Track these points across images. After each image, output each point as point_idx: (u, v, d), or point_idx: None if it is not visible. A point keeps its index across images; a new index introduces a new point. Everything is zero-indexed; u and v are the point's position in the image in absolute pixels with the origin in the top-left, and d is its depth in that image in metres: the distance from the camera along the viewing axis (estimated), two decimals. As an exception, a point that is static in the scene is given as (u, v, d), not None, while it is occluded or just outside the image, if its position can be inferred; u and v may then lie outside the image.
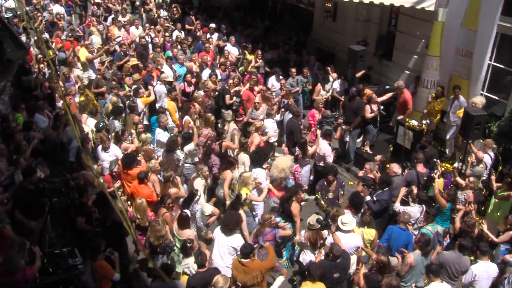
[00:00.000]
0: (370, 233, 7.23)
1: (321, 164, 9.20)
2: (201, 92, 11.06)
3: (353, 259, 6.93)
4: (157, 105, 11.08)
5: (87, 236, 6.53)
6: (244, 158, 8.73)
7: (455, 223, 7.51)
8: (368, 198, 7.91)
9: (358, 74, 11.61)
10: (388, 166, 8.82)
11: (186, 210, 7.21)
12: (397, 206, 7.82)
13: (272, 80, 12.29)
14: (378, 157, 8.71)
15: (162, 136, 9.40)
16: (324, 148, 9.12)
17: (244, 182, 7.80)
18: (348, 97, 10.89)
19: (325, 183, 8.36)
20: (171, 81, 11.50)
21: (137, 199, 7.29)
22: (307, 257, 6.89)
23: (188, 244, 6.41)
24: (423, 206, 7.67)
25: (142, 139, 8.99)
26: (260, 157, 8.51)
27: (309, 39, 15.56)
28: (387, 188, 7.86)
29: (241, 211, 7.40)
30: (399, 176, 8.28)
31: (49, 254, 6.11)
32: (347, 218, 6.98)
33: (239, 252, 6.46)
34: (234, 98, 11.38)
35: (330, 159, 9.14)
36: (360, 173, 8.86)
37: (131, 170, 8.08)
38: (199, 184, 8.07)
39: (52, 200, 6.63)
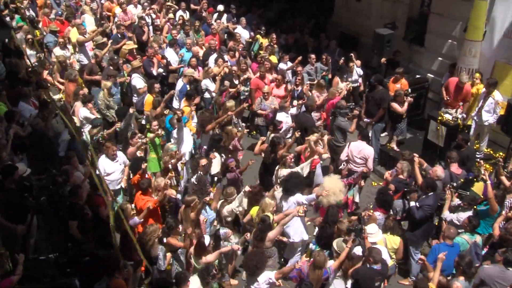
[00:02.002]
0: (394, 240, 7.11)
1: (362, 169, 8.93)
2: (208, 83, 10.96)
3: None
4: (175, 105, 10.94)
5: (103, 253, 6.27)
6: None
7: (493, 229, 7.31)
8: (412, 203, 7.67)
9: (383, 60, 11.41)
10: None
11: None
12: (447, 215, 7.58)
13: (281, 66, 12.16)
14: (400, 165, 8.33)
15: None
16: (368, 150, 8.89)
17: (264, 208, 7.29)
18: (369, 87, 10.69)
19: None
20: (195, 79, 11.26)
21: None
22: None
23: (214, 272, 6.31)
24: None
25: (165, 149, 8.67)
26: (294, 183, 7.72)
27: (329, 22, 15.36)
28: (432, 193, 7.64)
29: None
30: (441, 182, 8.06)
31: (34, 260, 6.05)
32: (373, 229, 6.84)
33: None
34: (239, 86, 11.21)
35: (371, 163, 8.96)
36: (387, 174, 8.63)
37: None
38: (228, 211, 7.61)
39: (40, 199, 6.62)
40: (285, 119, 10.05)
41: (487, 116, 9.68)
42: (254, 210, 7.47)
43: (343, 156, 9.05)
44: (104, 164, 8.27)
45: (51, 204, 7.07)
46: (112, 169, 8.28)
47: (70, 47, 12.30)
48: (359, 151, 8.87)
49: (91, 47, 12.29)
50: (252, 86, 11.19)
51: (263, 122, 10.68)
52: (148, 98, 10.17)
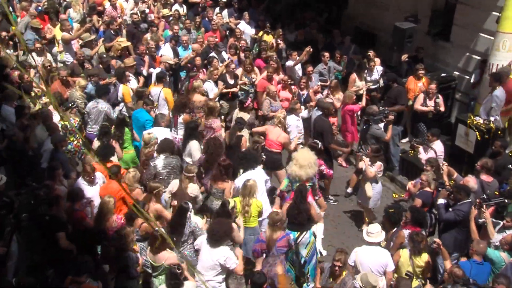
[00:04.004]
0: (422, 257, 7.03)
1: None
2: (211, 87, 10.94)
3: (382, 283, 6.75)
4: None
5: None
6: None
7: None
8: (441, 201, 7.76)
9: (404, 57, 11.40)
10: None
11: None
12: (496, 237, 7.36)
13: (288, 63, 12.13)
14: (425, 177, 8.25)
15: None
16: (439, 150, 9.24)
17: (252, 192, 7.64)
18: (384, 88, 10.82)
19: None
20: (172, 64, 11.52)
21: (105, 196, 7.31)
22: None
23: (178, 271, 6.28)
24: None
25: (145, 140, 8.79)
26: (251, 161, 8.30)
27: (343, 15, 15.33)
28: (469, 200, 7.65)
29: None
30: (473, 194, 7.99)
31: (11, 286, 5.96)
32: (375, 228, 6.99)
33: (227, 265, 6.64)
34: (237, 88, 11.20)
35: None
36: (410, 185, 8.62)
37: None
38: (194, 190, 7.85)
39: (21, 216, 6.55)
40: (295, 122, 10.00)
41: (484, 113, 9.68)
42: (237, 200, 7.78)
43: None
44: (80, 186, 7.91)
45: (32, 221, 7.01)
46: (91, 193, 7.88)
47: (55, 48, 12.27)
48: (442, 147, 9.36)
49: (78, 46, 12.28)
50: (259, 89, 11.10)
51: None
52: (124, 89, 10.34)
